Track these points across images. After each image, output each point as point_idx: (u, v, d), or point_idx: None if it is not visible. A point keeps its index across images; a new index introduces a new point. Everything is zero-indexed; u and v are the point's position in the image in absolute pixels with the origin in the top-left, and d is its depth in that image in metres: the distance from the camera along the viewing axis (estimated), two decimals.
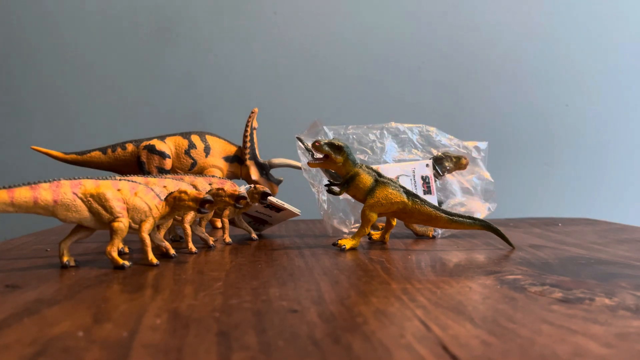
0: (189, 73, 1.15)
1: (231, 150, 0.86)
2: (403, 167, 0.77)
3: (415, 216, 0.63)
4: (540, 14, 1.21)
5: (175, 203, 0.52)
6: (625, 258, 0.55)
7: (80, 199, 0.49)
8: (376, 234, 0.69)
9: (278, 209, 0.72)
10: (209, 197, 0.51)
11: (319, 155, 0.63)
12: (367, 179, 0.62)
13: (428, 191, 0.76)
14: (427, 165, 0.77)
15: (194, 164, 0.83)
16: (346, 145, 0.61)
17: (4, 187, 0.46)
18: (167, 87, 1.15)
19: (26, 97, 1.13)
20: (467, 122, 1.19)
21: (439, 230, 0.74)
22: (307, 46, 1.17)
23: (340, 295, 0.40)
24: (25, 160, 1.08)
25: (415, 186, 0.76)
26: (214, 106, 1.15)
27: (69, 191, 0.48)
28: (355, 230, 0.76)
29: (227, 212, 0.69)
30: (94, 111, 1.14)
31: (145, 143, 0.81)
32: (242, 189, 0.66)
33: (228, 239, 0.67)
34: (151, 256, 0.52)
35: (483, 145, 0.81)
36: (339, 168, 0.62)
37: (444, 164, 0.78)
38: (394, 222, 0.67)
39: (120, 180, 0.52)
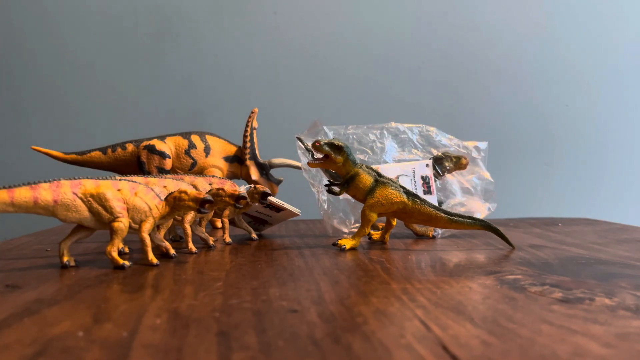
0: (189, 73, 1.15)
1: (231, 150, 0.86)
2: (403, 167, 0.77)
3: (415, 216, 0.63)
4: (540, 14, 1.21)
5: (175, 203, 0.52)
6: (625, 258, 0.55)
7: (80, 199, 0.49)
8: (376, 234, 0.69)
9: (278, 209, 0.72)
10: (209, 197, 0.51)
11: (319, 155, 0.63)
12: (367, 179, 0.62)
13: (428, 191, 0.76)
14: (427, 165, 0.77)
15: (194, 164, 0.83)
16: (346, 145, 0.61)
17: (4, 187, 0.46)
18: (167, 87, 1.15)
19: (26, 97, 1.13)
20: (467, 122, 1.19)
21: (439, 230, 0.74)
22: (307, 46, 1.17)
23: (340, 295, 0.40)
24: (25, 160, 1.08)
25: (415, 186, 0.76)
26: (214, 106, 1.15)
27: (69, 191, 0.48)
28: (355, 230, 0.76)
29: (227, 212, 0.69)
30: (94, 111, 1.14)
31: (145, 143, 0.81)
32: (242, 189, 0.66)
33: (228, 239, 0.67)
34: (151, 256, 0.52)
35: (483, 145, 0.81)
36: (339, 168, 0.62)
37: (444, 164, 0.78)
38: (394, 222, 0.67)
39: (120, 180, 0.52)
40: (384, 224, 0.73)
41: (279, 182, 0.87)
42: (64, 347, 0.28)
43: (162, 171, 0.80)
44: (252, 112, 0.86)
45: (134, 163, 0.82)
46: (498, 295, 0.39)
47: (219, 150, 0.85)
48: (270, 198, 0.68)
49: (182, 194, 0.52)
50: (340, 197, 0.74)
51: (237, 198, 0.54)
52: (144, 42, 1.15)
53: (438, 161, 0.78)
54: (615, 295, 0.39)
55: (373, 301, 0.38)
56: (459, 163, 0.78)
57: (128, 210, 0.50)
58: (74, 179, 0.50)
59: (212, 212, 0.66)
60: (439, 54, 1.19)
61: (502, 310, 0.35)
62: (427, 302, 0.37)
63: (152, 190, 0.53)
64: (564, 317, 0.33)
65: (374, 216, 0.62)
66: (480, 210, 0.75)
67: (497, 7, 1.20)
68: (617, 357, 0.27)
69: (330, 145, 0.60)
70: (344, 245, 0.62)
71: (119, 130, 1.11)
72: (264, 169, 0.86)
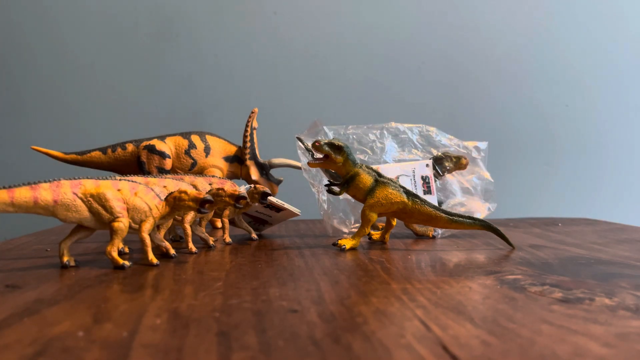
0: (189, 73, 1.15)
1: (231, 150, 0.86)
2: (403, 167, 0.77)
3: (415, 216, 0.63)
4: (540, 14, 1.21)
5: (175, 203, 0.52)
6: (625, 258, 0.55)
7: (80, 199, 0.49)
8: (376, 234, 0.69)
9: (278, 209, 0.72)
10: (209, 197, 0.51)
11: (319, 155, 0.63)
12: (367, 179, 0.62)
13: (428, 191, 0.76)
14: (427, 165, 0.77)
15: (194, 164, 0.83)
16: (346, 145, 0.61)
17: (4, 187, 0.46)
18: (167, 87, 1.15)
19: (26, 97, 1.13)
20: (467, 122, 1.19)
21: (439, 230, 0.74)
22: (307, 46, 1.17)
23: (340, 295, 0.40)
24: (25, 160, 1.08)
25: (415, 186, 0.76)
26: (214, 106, 1.15)
27: (69, 191, 0.48)
28: (355, 230, 0.76)
29: (227, 212, 0.69)
30: (94, 111, 1.14)
31: (145, 143, 0.81)
32: (242, 189, 0.66)
33: (228, 239, 0.67)
34: (151, 256, 0.52)
35: (483, 145, 0.81)
36: (339, 168, 0.62)
37: (444, 164, 0.78)
38: (394, 222, 0.67)
39: (120, 180, 0.52)
40: (384, 224, 0.73)
41: (279, 182, 0.87)
42: (64, 347, 0.28)
43: (162, 171, 0.80)
44: (252, 112, 0.86)
45: (134, 163, 0.82)
46: (498, 295, 0.39)
47: (219, 150, 0.85)
48: (270, 198, 0.68)
49: (182, 194, 0.52)
50: (340, 197, 0.74)
51: (237, 198, 0.54)
52: (144, 42, 1.15)
53: (438, 161, 0.78)
54: (615, 295, 0.39)
55: (373, 301, 0.38)
56: (459, 163, 0.78)
57: (128, 210, 0.50)
58: (74, 179, 0.50)
59: (212, 212, 0.66)
60: (439, 54, 1.19)
61: (502, 310, 0.35)
62: (427, 302, 0.37)
63: (152, 190, 0.53)
64: (564, 317, 0.33)
65: (374, 216, 0.62)
66: (480, 210, 0.75)
67: (497, 7, 1.20)
68: (617, 357, 0.27)
69: (330, 145, 0.60)
70: (344, 245, 0.62)
71: (119, 130, 1.11)
72: (264, 169, 0.86)
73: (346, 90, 1.18)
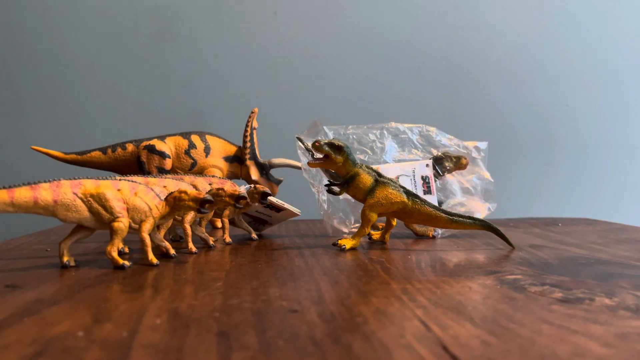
0: (189, 73, 1.15)
1: (231, 150, 0.86)
2: (403, 167, 0.77)
3: (415, 216, 0.63)
4: (540, 14, 1.21)
5: (175, 203, 0.52)
6: (625, 258, 0.55)
7: (80, 199, 0.49)
8: (376, 234, 0.69)
9: (278, 209, 0.72)
10: (209, 197, 0.51)
11: (319, 155, 0.63)
12: (367, 179, 0.62)
13: (428, 191, 0.76)
14: (427, 165, 0.77)
15: (194, 164, 0.83)
16: (346, 145, 0.61)
17: (4, 187, 0.46)
18: (167, 87, 1.15)
19: (26, 97, 1.13)
20: (467, 122, 1.19)
21: (439, 230, 0.74)
22: (307, 46, 1.17)
23: (340, 295, 0.40)
24: (25, 160, 1.08)
25: (415, 186, 0.76)
26: (214, 106, 1.15)
27: (69, 191, 0.48)
28: (355, 230, 0.76)
29: (227, 212, 0.69)
30: (94, 111, 1.14)
31: (145, 143, 0.81)
32: (242, 189, 0.66)
33: (228, 239, 0.67)
34: (151, 256, 0.52)
35: (483, 145, 0.81)
36: (339, 168, 0.62)
37: (444, 164, 0.78)
38: (394, 222, 0.67)
39: (120, 180, 0.52)
40: (384, 224, 0.73)
41: (279, 182, 0.87)
42: (64, 347, 0.28)
43: (162, 171, 0.80)
44: (252, 112, 0.86)
45: (134, 163, 0.82)
46: (498, 295, 0.39)
47: (219, 150, 0.85)
48: (270, 198, 0.68)
49: (182, 194, 0.52)
50: (340, 197, 0.74)
51: (237, 198, 0.54)
52: (144, 42, 1.15)
53: (438, 161, 0.78)
54: (615, 295, 0.39)
55: (373, 301, 0.38)
56: (459, 163, 0.78)
57: (128, 210, 0.50)
58: (74, 179, 0.50)
59: (212, 212, 0.66)
60: (439, 54, 1.19)
61: (502, 310, 0.35)
62: (427, 302, 0.37)
63: (152, 190, 0.53)
64: (564, 317, 0.33)
65: (374, 216, 0.62)
66: (480, 210, 0.75)
67: (497, 7, 1.20)
68: (617, 357, 0.27)
69: (330, 145, 0.60)
70: (344, 245, 0.62)
71: (119, 130, 1.11)
72: (264, 169, 0.86)
73: (346, 90, 1.18)
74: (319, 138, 0.64)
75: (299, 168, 0.81)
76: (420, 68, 1.19)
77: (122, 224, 0.49)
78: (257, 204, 0.66)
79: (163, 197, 0.53)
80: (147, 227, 0.51)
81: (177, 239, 0.71)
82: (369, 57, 1.18)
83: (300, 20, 1.17)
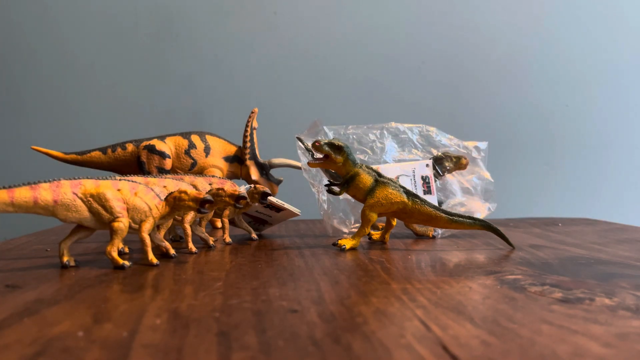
0: (189, 73, 1.15)
1: (231, 150, 0.86)
2: (403, 167, 0.77)
3: (415, 216, 0.63)
4: (541, 14, 1.21)
5: (175, 203, 0.52)
6: (625, 258, 0.55)
7: (80, 199, 0.49)
8: (376, 234, 0.69)
9: (278, 209, 0.72)
10: (209, 197, 0.51)
11: (319, 155, 0.63)
12: (367, 179, 0.62)
13: (428, 191, 0.76)
14: (427, 165, 0.77)
15: (194, 164, 0.83)
16: (346, 145, 0.61)
17: (4, 187, 0.46)
18: (167, 87, 1.15)
19: (26, 97, 1.13)
20: (467, 122, 1.19)
21: (439, 230, 0.74)
22: (307, 46, 1.17)
23: (340, 295, 0.40)
24: (25, 160, 1.08)
25: (415, 186, 0.76)
26: (214, 106, 1.15)
27: (69, 191, 0.48)
28: (355, 230, 0.76)
29: (227, 212, 0.69)
30: (94, 111, 1.14)
31: (145, 143, 0.81)
32: (242, 189, 0.66)
33: (228, 239, 0.67)
34: (151, 256, 0.52)
35: (483, 145, 0.81)
36: (339, 168, 0.62)
37: (444, 164, 0.78)
38: (394, 222, 0.67)
39: (120, 180, 0.52)
40: (384, 224, 0.73)
41: (279, 182, 0.87)
42: (64, 347, 0.28)
43: (162, 171, 0.80)
44: (252, 112, 0.86)
45: (134, 163, 0.82)
46: (498, 295, 0.39)
47: (219, 150, 0.85)
48: (270, 198, 0.68)
49: (182, 194, 0.52)
50: (340, 197, 0.74)
51: (237, 198, 0.54)
52: (144, 42, 1.15)
53: (438, 161, 0.78)
54: (615, 295, 0.39)
55: (373, 301, 0.38)
56: (459, 163, 0.78)
57: (128, 210, 0.50)
58: (74, 179, 0.50)
59: (212, 212, 0.66)
60: (439, 54, 1.19)
61: (502, 310, 0.35)
62: (427, 302, 0.37)
63: (152, 190, 0.53)
64: (564, 317, 0.33)
65: (374, 216, 0.62)
66: (480, 210, 0.75)
67: (497, 7, 1.20)
68: (617, 357, 0.27)
69: (330, 145, 0.60)
70: (344, 245, 0.62)
71: (119, 130, 1.11)
72: (264, 169, 0.86)
73: (346, 90, 1.18)
74: (319, 138, 0.64)
75: (299, 168, 0.81)
76: (420, 68, 1.19)
77: (122, 224, 0.49)
78: (257, 204, 0.66)
79: (163, 197, 0.53)
80: (147, 227, 0.51)
81: (177, 239, 0.71)
82: (369, 57, 1.18)
83: (300, 20, 1.17)
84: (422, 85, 1.19)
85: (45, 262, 0.54)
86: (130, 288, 0.42)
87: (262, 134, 0.92)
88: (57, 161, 0.85)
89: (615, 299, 0.38)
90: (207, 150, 0.83)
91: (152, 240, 0.54)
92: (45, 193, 0.47)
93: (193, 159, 0.82)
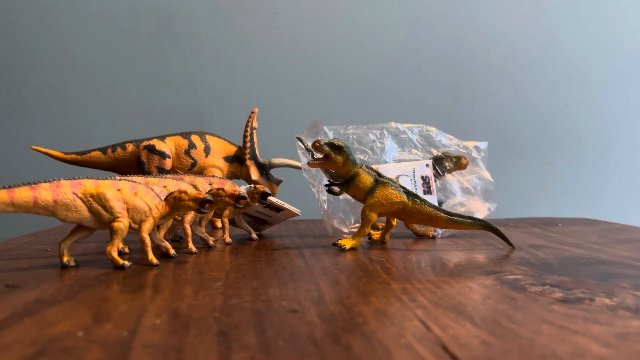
0: (189, 73, 1.15)
1: (231, 150, 0.86)
2: (403, 167, 0.77)
3: (415, 216, 0.63)
4: (541, 14, 1.21)
5: (175, 203, 0.52)
6: (625, 258, 0.55)
7: (80, 199, 0.49)
8: (376, 234, 0.69)
9: (278, 209, 0.72)
10: (209, 197, 0.51)
11: (319, 155, 0.63)
12: (367, 179, 0.62)
13: (428, 191, 0.76)
14: (427, 165, 0.77)
15: (194, 164, 0.83)
16: (346, 145, 0.61)
17: (4, 187, 0.46)
18: (167, 87, 1.15)
19: (26, 97, 1.13)
20: (467, 122, 1.19)
21: (439, 230, 0.74)
22: (307, 46, 1.17)
23: (340, 295, 0.40)
24: (25, 160, 1.08)
25: (415, 186, 0.76)
26: (214, 106, 1.15)
27: (69, 191, 0.48)
28: (355, 230, 0.76)
29: (227, 212, 0.69)
30: (94, 111, 1.14)
31: (145, 143, 0.81)
32: (242, 189, 0.66)
33: (228, 239, 0.67)
34: (151, 256, 0.52)
35: (483, 145, 0.81)
36: (339, 168, 0.62)
37: (444, 164, 0.78)
38: (394, 222, 0.67)
39: (120, 180, 0.52)
40: (384, 224, 0.73)
41: (279, 182, 0.87)
42: (64, 347, 0.28)
43: (162, 171, 0.80)
44: (252, 112, 0.86)
45: (134, 163, 0.82)
46: (498, 295, 0.39)
47: (219, 150, 0.85)
48: (270, 198, 0.68)
49: (182, 194, 0.52)
50: (340, 197, 0.74)
51: (237, 198, 0.54)
52: (144, 42, 1.15)
53: (438, 161, 0.78)
54: (615, 295, 0.39)
55: (373, 301, 0.38)
56: (459, 163, 0.78)
57: (128, 210, 0.50)
58: (74, 179, 0.50)
59: (212, 212, 0.66)
60: (439, 54, 1.19)
61: (502, 310, 0.35)
62: (427, 302, 0.37)
63: (152, 190, 0.53)
64: (564, 317, 0.33)
65: (374, 216, 0.62)
66: (480, 210, 0.75)
67: (497, 7, 1.20)
68: (617, 357, 0.27)
69: (330, 145, 0.60)
70: (344, 245, 0.62)
71: (119, 130, 1.11)
72: (264, 169, 0.86)
73: (346, 90, 1.18)
74: (319, 138, 0.64)
75: (299, 168, 0.81)
76: (420, 68, 1.19)
77: (122, 224, 0.49)
78: (257, 204, 0.66)
79: (163, 197, 0.53)
80: (147, 227, 0.51)
81: (177, 239, 0.71)
82: (369, 57, 1.18)
83: (300, 20, 1.17)
84: (422, 85, 1.19)
85: (45, 262, 0.54)
86: (130, 288, 0.42)
87: (262, 134, 0.92)
88: (57, 161, 0.85)
89: (615, 299, 0.38)
90: (207, 150, 0.83)
91: (152, 240, 0.54)
92: (45, 193, 0.47)
93: (193, 159, 0.82)
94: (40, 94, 1.13)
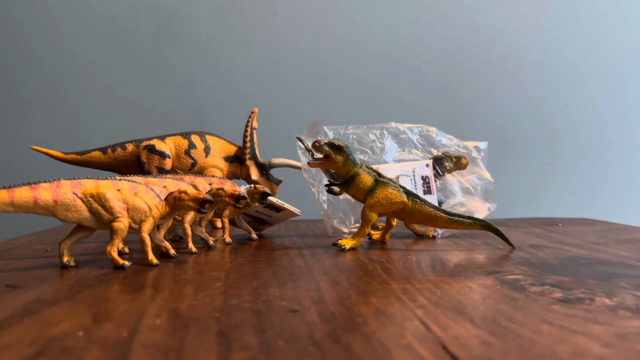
0: (189, 73, 1.15)
1: (231, 150, 0.86)
2: (403, 167, 0.77)
3: (415, 216, 0.63)
4: (541, 14, 1.21)
5: (175, 203, 0.52)
6: (625, 258, 0.55)
7: (80, 199, 0.49)
8: (376, 234, 0.69)
9: (278, 209, 0.72)
10: (209, 197, 0.51)
11: (319, 155, 0.63)
12: (367, 179, 0.62)
13: (428, 191, 0.76)
14: (427, 165, 0.77)
15: (194, 164, 0.83)
16: (346, 145, 0.61)
17: (4, 187, 0.46)
18: (167, 87, 1.15)
19: (26, 97, 1.13)
20: (467, 122, 1.19)
21: (439, 230, 0.74)
22: (307, 46, 1.17)
23: (340, 295, 0.40)
24: (25, 160, 1.08)
25: (415, 186, 0.76)
26: (214, 106, 1.15)
27: (69, 191, 0.48)
28: (355, 230, 0.76)
29: (227, 212, 0.69)
30: (94, 111, 1.14)
31: (145, 143, 0.81)
32: (242, 189, 0.66)
33: (228, 239, 0.67)
34: (151, 256, 0.52)
35: (483, 145, 0.81)
36: (339, 168, 0.62)
37: (444, 164, 0.78)
38: (394, 222, 0.67)
39: (120, 180, 0.52)
40: (384, 224, 0.73)
41: (279, 182, 0.87)
42: (64, 347, 0.28)
43: (162, 171, 0.80)
44: (252, 112, 0.86)
45: (134, 163, 0.82)
46: (498, 295, 0.39)
47: (219, 150, 0.85)
48: (270, 198, 0.68)
49: (182, 194, 0.52)
50: (340, 197, 0.74)
51: (237, 198, 0.54)
52: (144, 42, 1.15)
53: (438, 161, 0.78)
54: (615, 295, 0.39)
55: (373, 301, 0.38)
56: (459, 163, 0.78)
57: (128, 210, 0.50)
58: (74, 179, 0.50)
59: (212, 212, 0.66)
60: (439, 54, 1.19)
61: (502, 310, 0.35)
62: (427, 302, 0.37)
63: (152, 190, 0.53)
64: (564, 317, 0.33)
65: (374, 216, 0.62)
66: (480, 210, 0.75)
67: (497, 7, 1.20)
68: (617, 357, 0.27)
69: (330, 145, 0.60)
70: (344, 245, 0.62)
71: (119, 130, 1.11)
72: (264, 169, 0.86)
73: (346, 90, 1.18)
74: (319, 138, 0.64)
75: (299, 168, 0.81)
76: (420, 68, 1.19)
77: (122, 224, 0.49)
78: (257, 204, 0.66)
79: (163, 197, 0.53)
80: (147, 227, 0.51)
81: (177, 239, 0.71)
82: (369, 57, 1.18)
83: (300, 20, 1.17)
84: (422, 85, 1.19)
85: (45, 262, 0.54)
86: (130, 288, 0.42)
87: (262, 134, 0.92)
88: (57, 161, 0.85)
89: (615, 299, 0.38)
90: (207, 150, 0.83)
91: (152, 240, 0.55)
92: (45, 193, 0.47)
93: (193, 159, 0.82)
94: (40, 94, 1.13)
